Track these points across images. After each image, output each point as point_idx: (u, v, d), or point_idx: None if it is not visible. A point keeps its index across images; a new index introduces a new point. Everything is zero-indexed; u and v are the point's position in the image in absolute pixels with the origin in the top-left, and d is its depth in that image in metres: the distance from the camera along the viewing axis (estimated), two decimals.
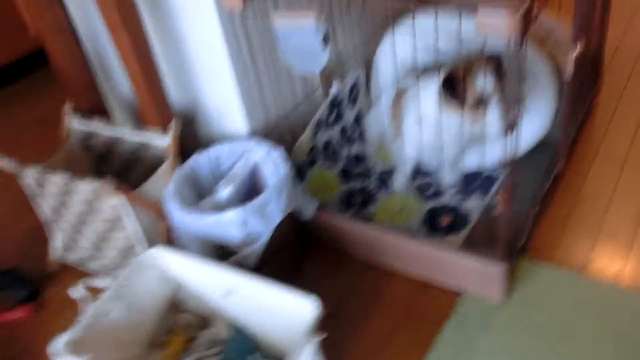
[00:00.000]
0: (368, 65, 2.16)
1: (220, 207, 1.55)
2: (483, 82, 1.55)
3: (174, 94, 1.85)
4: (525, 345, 1.50)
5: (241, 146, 1.67)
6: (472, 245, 1.58)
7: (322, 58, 1.42)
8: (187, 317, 1.58)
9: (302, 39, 1.40)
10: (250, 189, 1.68)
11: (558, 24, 2.11)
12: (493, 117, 1.56)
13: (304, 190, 1.69)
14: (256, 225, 1.48)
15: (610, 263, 1.69)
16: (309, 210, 1.68)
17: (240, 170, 1.60)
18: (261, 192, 1.53)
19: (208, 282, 1.47)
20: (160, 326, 1.55)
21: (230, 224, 1.45)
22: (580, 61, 1.70)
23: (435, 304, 1.66)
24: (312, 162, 1.87)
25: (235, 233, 1.48)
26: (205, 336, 1.56)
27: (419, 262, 1.70)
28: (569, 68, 1.62)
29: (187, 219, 1.49)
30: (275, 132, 1.74)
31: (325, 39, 1.40)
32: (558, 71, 1.90)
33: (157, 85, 1.67)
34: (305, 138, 1.81)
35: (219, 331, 1.55)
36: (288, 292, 1.33)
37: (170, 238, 1.61)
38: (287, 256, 1.72)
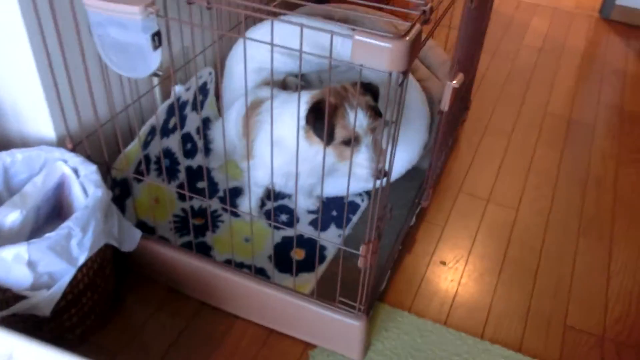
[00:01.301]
0: (220, 66, 1.84)
1: (6, 238, 1.15)
2: (357, 118, 1.29)
3: None
4: None
5: (42, 155, 1.27)
6: (327, 288, 1.32)
7: (151, 60, 1.06)
8: None
9: (124, 33, 1.04)
10: (56, 213, 1.29)
11: (430, 47, 1.94)
12: (363, 158, 1.31)
13: (123, 218, 1.33)
14: (51, 265, 1.11)
15: (470, 315, 1.53)
16: (130, 242, 1.33)
17: (35, 190, 1.20)
18: (68, 217, 1.15)
19: None
20: None
21: (12, 264, 1.07)
22: (458, 92, 1.52)
23: (282, 358, 1.39)
24: (140, 177, 1.51)
25: (20, 275, 1.09)
26: None
27: (265, 309, 1.44)
28: (447, 98, 1.43)
29: None
30: (93, 141, 1.34)
31: (157, 37, 1.05)
32: (430, 99, 1.72)
33: None
34: (133, 147, 1.44)
35: None
36: None
37: None
38: (98, 298, 1.36)
